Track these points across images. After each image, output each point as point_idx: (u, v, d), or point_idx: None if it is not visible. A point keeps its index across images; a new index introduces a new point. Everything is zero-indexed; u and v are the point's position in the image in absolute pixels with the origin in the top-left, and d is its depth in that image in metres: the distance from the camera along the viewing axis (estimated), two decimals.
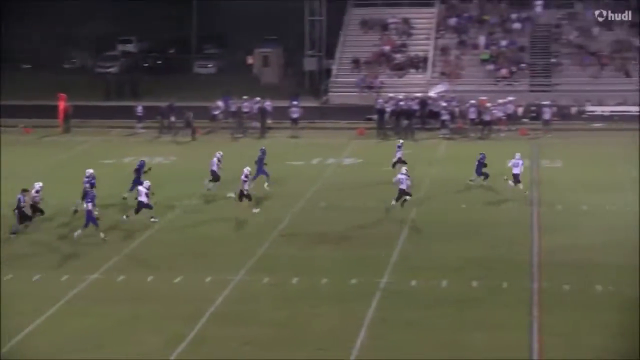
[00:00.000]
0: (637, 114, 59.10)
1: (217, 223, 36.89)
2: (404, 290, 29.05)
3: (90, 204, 34.45)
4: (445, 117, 56.29)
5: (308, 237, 34.91)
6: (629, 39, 67.34)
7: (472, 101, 57.37)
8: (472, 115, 56.49)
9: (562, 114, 59.27)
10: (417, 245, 33.82)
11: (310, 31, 72.11)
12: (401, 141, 46.01)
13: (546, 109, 57.29)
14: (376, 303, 28.02)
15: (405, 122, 57.26)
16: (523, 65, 66.78)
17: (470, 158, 44.60)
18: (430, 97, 59.49)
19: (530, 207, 38.73)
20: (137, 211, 36.27)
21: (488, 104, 57.31)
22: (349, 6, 73.51)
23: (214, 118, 58.54)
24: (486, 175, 41.44)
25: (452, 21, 71.39)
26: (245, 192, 37.24)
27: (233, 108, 58.79)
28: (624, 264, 30.99)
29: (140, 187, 36.54)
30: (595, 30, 68.39)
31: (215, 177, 40.93)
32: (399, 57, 69.03)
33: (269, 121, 58.07)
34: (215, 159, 41.21)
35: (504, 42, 68.82)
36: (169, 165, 47.94)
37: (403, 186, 37.31)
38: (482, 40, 69.19)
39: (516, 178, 40.08)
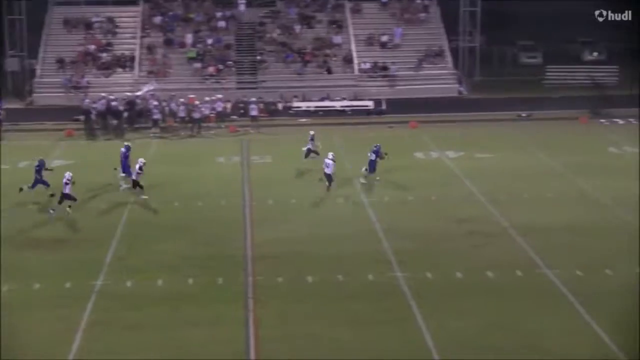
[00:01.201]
0: (340, 109, 61.61)
1: None
2: (120, 292, 28.88)
3: None
4: (157, 116, 56.09)
5: (19, 242, 33.91)
6: (329, 37, 69.81)
7: (181, 99, 57.68)
8: (182, 113, 56.64)
9: (269, 110, 60.71)
10: (131, 245, 33.58)
11: (9, 31, 69.97)
12: (312, 132, 46.27)
13: (253, 106, 58.34)
14: (92, 306, 27.70)
15: (113, 122, 56.75)
16: (229, 62, 67.72)
17: (181, 156, 44.67)
18: (139, 96, 59.12)
19: (242, 202, 39.41)
20: (60, 201, 37.28)
21: (197, 102, 57.75)
22: (50, 5, 71.77)
23: None
24: (372, 168, 41.94)
25: (158, 19, 71.24)
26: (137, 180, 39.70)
27: None
28: (331, 254, 32.21)
29: (63, 179, 36.99)
30: (297, 27, 70.38)
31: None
32: (105, 56, 68.21)
33: None
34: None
35: (210, 40, 69.46)
36: None
37: (328, 170, 39.76)
38: (188, 38, 69.53)
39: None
